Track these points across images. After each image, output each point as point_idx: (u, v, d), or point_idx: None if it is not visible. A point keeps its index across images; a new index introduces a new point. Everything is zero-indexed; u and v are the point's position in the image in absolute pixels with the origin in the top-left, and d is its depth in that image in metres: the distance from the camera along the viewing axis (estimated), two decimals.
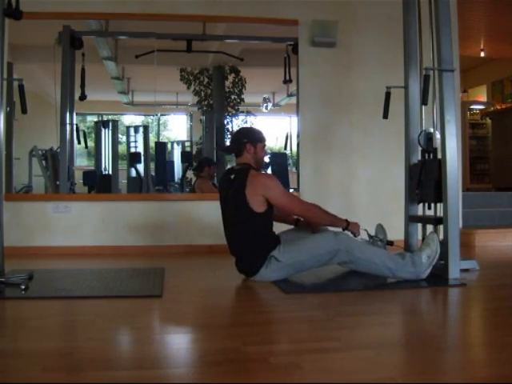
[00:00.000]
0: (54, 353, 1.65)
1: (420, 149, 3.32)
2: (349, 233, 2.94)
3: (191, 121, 5.36)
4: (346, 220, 2.96)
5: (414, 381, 1.40)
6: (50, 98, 4.56)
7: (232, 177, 2.89)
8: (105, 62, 4.91)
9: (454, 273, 2.83)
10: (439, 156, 3.01)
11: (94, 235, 4.26)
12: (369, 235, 3.08)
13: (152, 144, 4.95)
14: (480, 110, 8.09)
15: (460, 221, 3.96)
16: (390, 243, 3.13)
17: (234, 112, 5.12)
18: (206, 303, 2.48)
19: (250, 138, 2.95)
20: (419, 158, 3.37)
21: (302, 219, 3.15)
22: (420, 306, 2.49)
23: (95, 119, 5.13)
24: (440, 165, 2.96)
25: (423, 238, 3.18)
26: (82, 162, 5.02)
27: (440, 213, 3.01)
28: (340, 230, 2.93)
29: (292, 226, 3.21)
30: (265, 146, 3.03)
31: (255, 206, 2.78)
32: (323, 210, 2.95)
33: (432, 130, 3.23)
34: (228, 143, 5.03)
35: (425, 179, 3.17)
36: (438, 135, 3.10)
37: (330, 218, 2.94)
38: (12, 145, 4.35)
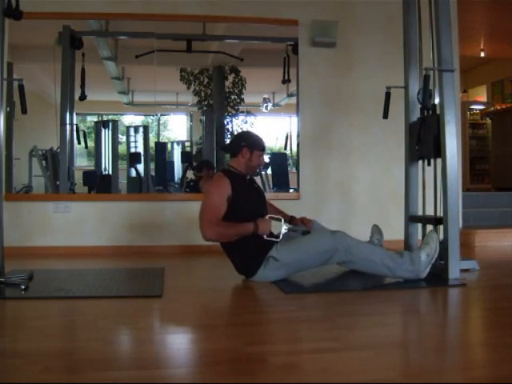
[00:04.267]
0: (53, 353, 1.66)
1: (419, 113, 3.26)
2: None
3: (191, 121, 5.36)
4: (254, 222, 2.73)
5: (414, 381, 1.40)
6: (50, 98, 4.56)
7: None
8: (105, 62, 4.91)
9: (454, 273, 2.83)
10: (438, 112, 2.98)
11: (94, 235, 4.26)
12: (291, 229, 2.94)
13: (152, 144, 4.94)
14: (480, 110, 8.09)
15: (460, 221, 3.97)
16: (307, 232, 2.96)
17: (233, 112, 5.11)
18: (206, 303, 2.48)
19: (250, 143, 2.93)
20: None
21: (297, 217, 3.12)
22: (420, 306, 2.49)
23: (95, 119, 5.13)
24: (439, 120, 2.95)
25: (423, 238, 3.18)
26: (82, 162, 5.01)
27: (440, 212, 3.01)
28: (338, 229, 2.87)
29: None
30: (262, 155, 2.97)
31: None
32: (228, 226, 2.75)
33: (431, 87, 3.19)
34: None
35: (424, 135, 3.14)
36: (436, 92, 3.06)
37: (236, 232, 2.75)
38: (12, 145, 4.35)
